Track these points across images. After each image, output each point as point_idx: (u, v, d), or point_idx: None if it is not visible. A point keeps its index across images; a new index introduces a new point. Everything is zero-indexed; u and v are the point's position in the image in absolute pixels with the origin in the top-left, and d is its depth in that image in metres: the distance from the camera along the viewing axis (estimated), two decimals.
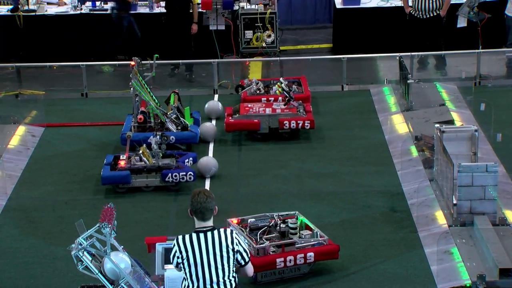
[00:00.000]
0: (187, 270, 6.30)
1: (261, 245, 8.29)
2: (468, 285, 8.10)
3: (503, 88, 13.66)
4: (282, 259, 8.24)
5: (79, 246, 6.89)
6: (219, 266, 6.28)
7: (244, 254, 6.38)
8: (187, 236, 6.30)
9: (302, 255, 8.31)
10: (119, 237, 7.16)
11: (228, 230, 6.37)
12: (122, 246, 7.21)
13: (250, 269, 6.50)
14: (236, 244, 6.33)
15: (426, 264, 8.62)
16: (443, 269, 8.44)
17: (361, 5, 15.34)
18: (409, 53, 13.69)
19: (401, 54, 13.45)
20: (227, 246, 6.29)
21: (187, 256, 6.25)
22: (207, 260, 6.26)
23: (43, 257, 8.98)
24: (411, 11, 14.03)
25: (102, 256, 7.01)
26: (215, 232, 6.31)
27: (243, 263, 6.39)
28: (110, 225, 6.93)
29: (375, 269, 8.61)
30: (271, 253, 8.31)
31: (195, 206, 6.27)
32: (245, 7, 15.50)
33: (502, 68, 14.65)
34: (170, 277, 7.18)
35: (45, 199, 10.34)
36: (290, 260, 8.27)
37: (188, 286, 6.34)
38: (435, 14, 13.90)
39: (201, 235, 6.29)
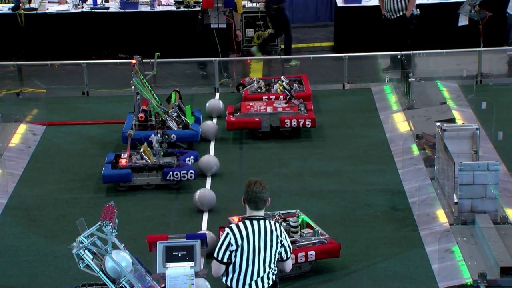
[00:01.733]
0: (237, 259, 6.30)
1: None
2: (469, 283, 8.10)
3: (504, 87, 13.66)
4: None
5: (80, 245, 6.89)
6: (267, 256, 6.33)
7: (288, 249, 6.46)
8: (240, 225, 6.34)
9: (303, 253, 8.31)
10: (120, 236, 7.17)
11: (277, 223, 6.45)
12: (123, 245, 7.21)
13: (289, 265, 6.56)
14: (284, 238, 6.42)
15: (427, 263, 8.62)
16: (444, 267, 8.44)
17: (362, 3, 15.34)
18: (410, 52, 13.69)
19: (403, 52, 13.45)
20: (277, 237, 6.36)
21: (242, 244, 6.28)
22: (258, 248, 6.30)
23: (44, 256, 8.98)
24: (384, 12, 14.17)
25: (103, 255, 7.01)
26: (267, 222, 6.38)
27: (285, 257, 6.46)
28: (111, 224, 6.93)
29: (376, 267, 8.61)
30: None
31: (250, 195, 6.33)
32: (246, 6, 15.50)
33: (503, 66, 14.65)
34: (171, 276, 7.18)
35: (46, 198, 10.35)
36: (291, 259, 8.26)
37: (232, 279, 6.36)
38: (400, 14, 14.02)
39: (255, 223, 6.34)
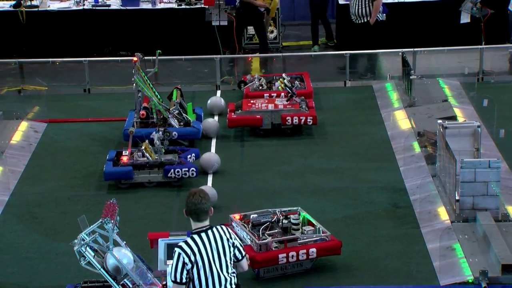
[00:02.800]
0: (195, 275, 6.21)
1: (264, 241, 8.30)
2: (470, 281, 8.11)
3: (506, 84, 13.65)
4: (285, 255, 8.24)
5: (82, 242, 6.90)
6: (223, 264, 6.27)
7: (241, 249, 6.41)
8: (189, 240, 6.23)
9: (305, 251, 8.31)
10: (121, 233, 7.17)
11: (224, 227, 6.39)
12: (125, 242, 7.22)
13: (246, 263, 6.51)
14: (235, 239, 6.37)
15: (428, 260, 8.62)
16: (445, 265, 8.44)
17: None
18: (412, 49, 13.68)
19: (404, 50, 13.44)
20: (228, 240, 6.30)
21: (196, 259, 6.18)
22: (213, 258, 6.23)
23: (46, 253, 8.99)
24: (351, 15, 14.13)
25: (105, 252, 7.01)
26: (214, 229, 6.31)
27: (240, 257, 6.41)
28: (112, 221, 6.93)
29: (378, 265, 8.61)
30: (273, 249, 8.31)
31: (190, 207, 6.24)
32: None
33: (505, 63, 14.64)
34: None
35: (48, 195, 10.35)
36: (293, 256, 8.27)
37: None
38: (365, 20, 13.87)
39: (203, 235, 6.25)
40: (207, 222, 6.29)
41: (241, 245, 6.41)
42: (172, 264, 6.22)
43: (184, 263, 6.18)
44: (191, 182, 10.38)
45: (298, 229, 8.57)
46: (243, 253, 6.42)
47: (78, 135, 12.13)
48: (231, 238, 6.32)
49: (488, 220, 8.83)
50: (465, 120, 11.33)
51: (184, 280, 6.20)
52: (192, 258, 6.18)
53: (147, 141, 10.54)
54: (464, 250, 8.54)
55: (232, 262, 6.34)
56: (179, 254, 6.19)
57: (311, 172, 10.78)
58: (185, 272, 6.19)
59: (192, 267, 6.19)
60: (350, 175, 10.66)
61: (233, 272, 6.37)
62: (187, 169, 10.27)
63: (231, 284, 6.31)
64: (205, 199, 6.25)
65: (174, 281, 6.21)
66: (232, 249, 6.31)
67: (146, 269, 7.26)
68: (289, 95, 11.98)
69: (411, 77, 12.43)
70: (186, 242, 6.22)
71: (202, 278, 6.22)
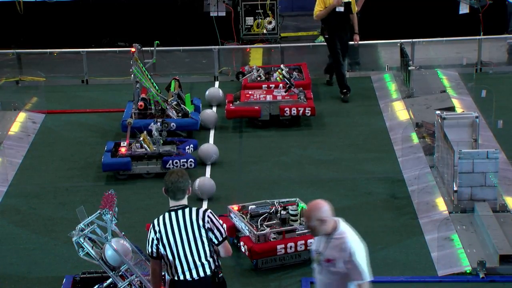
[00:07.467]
0: (163, 252, 6.30)
1: (262, 232, 8.31)
2: (468, 271, 8.12)
3: (504, 75, 13.65)
4: (283, 245, 8.25)
5: (80, 233, 6.90)
6: (193, 246, 6.28)
7: (217, 233, 6.33)
8: (160, 217, 6.36)
9: (303, 241, 8.31)
10: (120, 224, 7.18)
11: (201, 209, 6.38)
12: (123, 233, 7.22)
13: (225, 249, 6.40)
14: (207, 222, 6.30)
15: (426, 251, 8.63)
16: (443, 255, 8.45)
17: None
18: (410, 40, 13.67)
19: (402, 40, 13.42)
20: (198, 224, 6.30)
21: (161, 236, 6.29)
22: (181, 239, 6.27)
23: (44, 243, 8.99)
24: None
25: (103, 243, 7.02)
26: (187, 210, 6.34)
27: (216, 242, 6.35)
28: (111, 212, 6.94)
29: (376, 255, 8.60)
30: (271, 239, 8.32)
31: (167, 185, 6.37)
32: None
33: (503, 54, 14.63)
34: None
35: (46, 186, 10.35)
36: (291, 247, 8.28)
37: (167, 270, 6.33)
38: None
39: (173, 214, 6.34)
40: (183, 201, 6.39)
41: (218, 229, 6.32)
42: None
43: (153, 238, 6.34)
44: (190, 173, 10.28)
45: (296, 220, 8.57)
46: (220, 238, 6.33)
47: (76, 126, 12.13)
48: (203, 221, 6.28)
49: (486, 211, 8.85)
50: (463, 111, 11.33)
51: (155, 255, 6.34)
52: (158, 235, 6.31)
53: (145, 132, 10.54)
54: (462, 240, 8.55)
55: (210, 247, 6.31)
56: (150, 228, 6.37)
57: (309, 163, 10.78)
58: (154, 247, 6.33)
59: (158, 243, 6.31)
60: (348, 166, 10.66)
61: (212, 257, 6.34)
62: (185, 160, 10.27)
63: (204, 269, 6.31)
64: (183, 178, 6.35)
65: (148, 255, 6.41)
66: (204, 232, 6.28)
67: (144, 260, 7.27)
68: (287, 86, 11.97)
69: (409, 67, 12.43)
70: (158, 218, 6.36)
71: (169, 255, 6.30)
